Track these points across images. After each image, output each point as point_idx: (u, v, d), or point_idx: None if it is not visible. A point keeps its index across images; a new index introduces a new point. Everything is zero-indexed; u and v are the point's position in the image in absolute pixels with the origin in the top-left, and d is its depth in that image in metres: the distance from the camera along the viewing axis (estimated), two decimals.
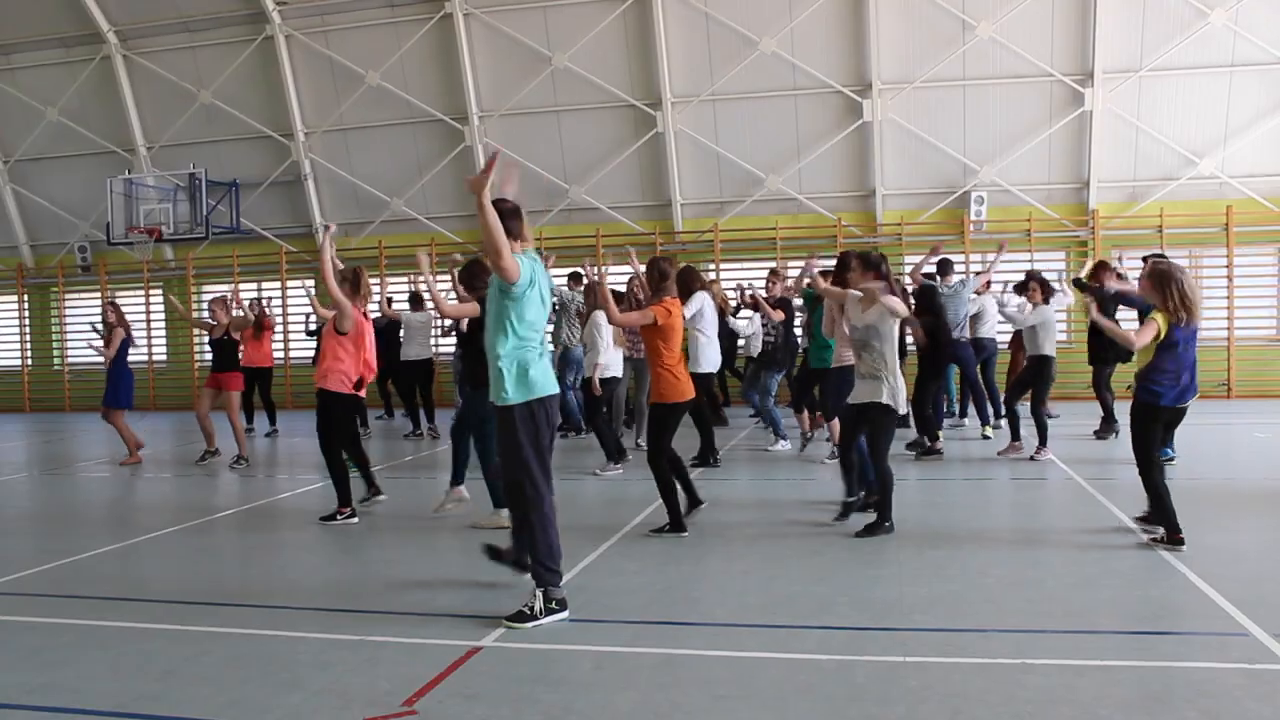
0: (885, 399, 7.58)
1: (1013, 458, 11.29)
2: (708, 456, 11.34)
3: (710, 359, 11.40)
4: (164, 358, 23.24)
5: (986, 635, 5.33)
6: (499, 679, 4.84)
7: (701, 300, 11.17)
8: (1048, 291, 11.69)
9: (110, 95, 21.82)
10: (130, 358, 23.07)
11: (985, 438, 12.91)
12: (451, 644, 5.25)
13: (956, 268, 15.41)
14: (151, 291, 23.07)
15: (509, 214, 5.61)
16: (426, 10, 20.03)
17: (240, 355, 13.76)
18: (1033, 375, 11.38)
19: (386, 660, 5.08)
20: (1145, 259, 8.27)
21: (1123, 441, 11.22)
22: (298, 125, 21.14)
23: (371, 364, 8.91)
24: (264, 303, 17.24)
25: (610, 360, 11.80)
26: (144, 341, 23.26)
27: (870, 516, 7.77)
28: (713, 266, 20.12)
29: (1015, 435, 11.55)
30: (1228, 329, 18.56)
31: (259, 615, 5.94)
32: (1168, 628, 5.43)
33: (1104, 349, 12.19)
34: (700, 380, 11.33)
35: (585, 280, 14.02)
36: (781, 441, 12.59)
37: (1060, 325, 14.50)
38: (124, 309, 23.32)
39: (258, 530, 8.58)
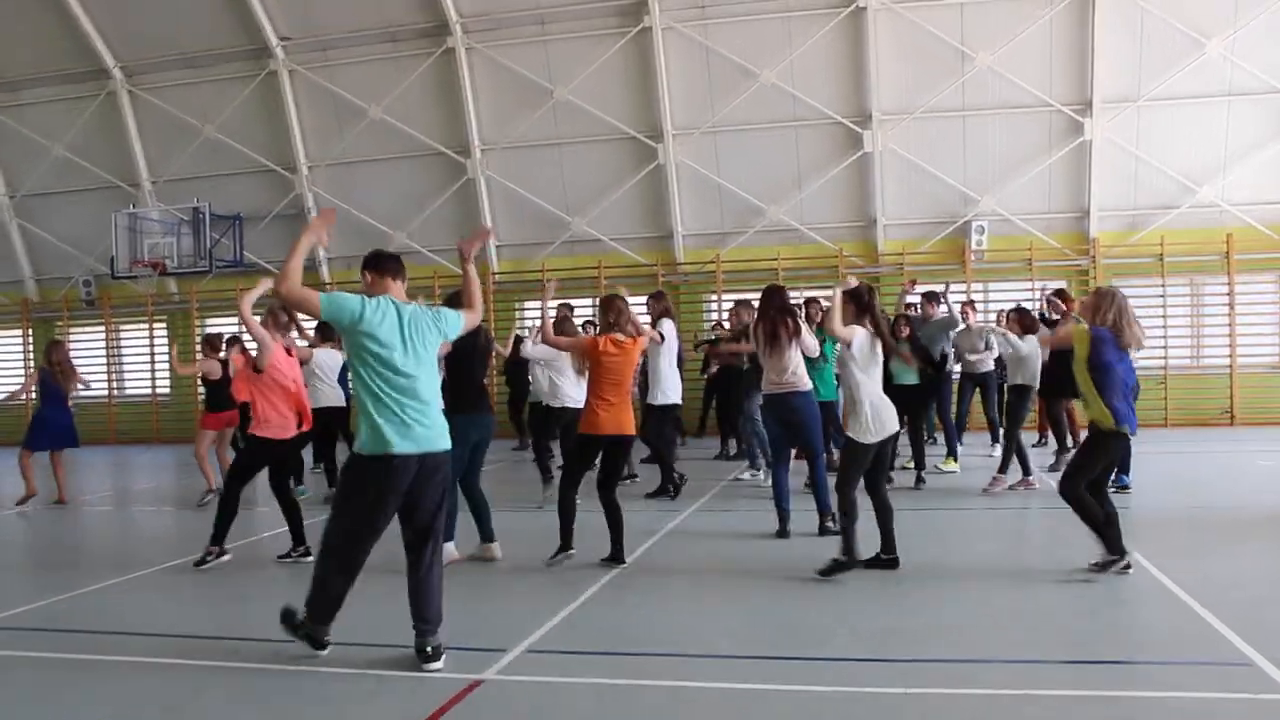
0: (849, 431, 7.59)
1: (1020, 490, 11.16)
2: (667, 487, 11.41)
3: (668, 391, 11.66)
4: (167, 391, 23.26)
5: (988, 666, 5.31)
6: (500, 712, 4.83)
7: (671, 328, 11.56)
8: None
9: (115, 130, 21.97)
10: (133, 391, 23.18)
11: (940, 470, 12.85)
12: (452, 677, 5.24)
13: (960, 297, 15.49)
14: (155, 325, 23.13)
15: (387, 257, 5.79)
16: (428, 45, 20.18)
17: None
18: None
19: (388, 694, 5.07)
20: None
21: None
22: (300, 159, 21.26)
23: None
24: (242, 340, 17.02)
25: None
26: (147, 375, 23.33)
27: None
28: (714, 297, 20.17)
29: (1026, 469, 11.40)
30: (1230, 357, 18.55)
31: (259, 649, 5.92)
32: (1170, 657, 5.40)
33: (1058, 381, 11.81)
34: (664, 411, 11.71)
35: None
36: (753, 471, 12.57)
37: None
38: (127, 342, 23.67)
39: (256, 565, 8.54)
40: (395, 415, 5.40)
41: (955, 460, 13.00)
